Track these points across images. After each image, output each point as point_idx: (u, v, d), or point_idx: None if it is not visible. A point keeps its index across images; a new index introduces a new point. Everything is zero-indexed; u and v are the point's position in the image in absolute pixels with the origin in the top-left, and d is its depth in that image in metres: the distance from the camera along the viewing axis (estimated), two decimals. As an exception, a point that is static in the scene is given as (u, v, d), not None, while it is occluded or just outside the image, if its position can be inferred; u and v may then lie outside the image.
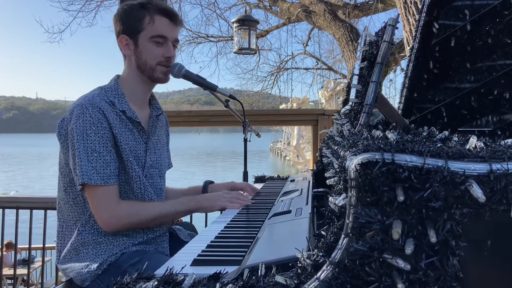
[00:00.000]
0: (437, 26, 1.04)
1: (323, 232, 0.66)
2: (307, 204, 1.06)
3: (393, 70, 7.43)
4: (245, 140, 1.99)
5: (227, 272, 0.65)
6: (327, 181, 0.74)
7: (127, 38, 1.38)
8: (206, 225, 2.06)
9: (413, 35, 1.11)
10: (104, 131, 1.29)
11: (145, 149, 1.41)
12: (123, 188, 1.35)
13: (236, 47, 5.57)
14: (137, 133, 1.39)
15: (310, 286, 0.51)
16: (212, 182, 1.69)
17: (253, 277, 0.58)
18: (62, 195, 1.37)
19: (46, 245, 2.78)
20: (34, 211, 2.62)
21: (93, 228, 1.32)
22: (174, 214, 1.39)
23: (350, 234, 0.50)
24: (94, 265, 1.28)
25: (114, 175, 1.30)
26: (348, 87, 1.32)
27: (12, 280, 6.10)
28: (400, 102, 1.18)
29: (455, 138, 0.69)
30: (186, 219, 1.99)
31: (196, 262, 0.79)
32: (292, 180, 1.73)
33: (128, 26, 1.38)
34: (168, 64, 1.40)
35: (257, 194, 1.62)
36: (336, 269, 0.49)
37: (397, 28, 0.97)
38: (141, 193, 1.37)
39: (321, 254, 0.55)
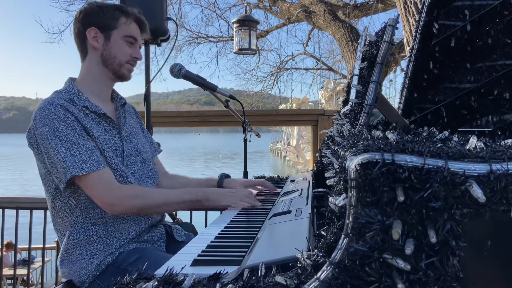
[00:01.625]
0: (437, 26, 1.04)
1: (323, 232, 0.66)
2: (307, 204, 1.06)
3: (393, 70, 7.43)
4: (245, 140, 1.99)
5: (227, 272, 0.65)
6: (327, 181, 0.74)
7: (97, 31, 1.39)
8: (206, 225, 2.06)
9: (413, 35, 1.11)
10: (73, 123, 1.28)
11: (119, 139, 1.41)
12: None
13: (236, 48, 5.57)
14: (107, 125, 1.39)
15: (310, 286, 0.51)
16: (228, 176, 1.66)
17: (253, 277, 0.58)
18: (52, 204, 1.35)
19: (46, 245, 2.79)
20: (34, 211, 2.62)
21: (82, 226, 1.31)
22: (180, 202, 1.38)
23: (350, 234, 0.49)
24: (92, 266, 1.27)
25: (103, 160, 1.29)
26: (348, 87, 1.33)
27: (12, 280, 6.09)
28: (400, 102, 1.18)
29: (455, 138, 0.69)
30: (186, 219, 1.99)
31: (196, 262, 0.79)
32: (292, 180, 1.73)
33: (101, 21, 1.40)
34: (134, 64, 1.47)
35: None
36: (336, 269, 0.49)
37: (397, 28, 0.97)
38: (124, 182, 1.35)
39: (321, 254, 0.55)
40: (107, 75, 1.43)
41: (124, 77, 1.46)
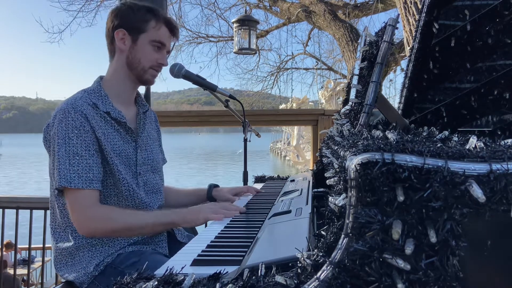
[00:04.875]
0: (437, 26, 1.04)
1: (323, 232, 0.66)
2: (307, 204, 1.06)
3: (393, 70, 7.43)
4: (245, 140, 1.98)
5: (227, 272, 0.65)
6: (327, 181, 0.74)
7: (125, 33, 1.38)
8: (206, 225, 2.06)
9: (413, 35, 1.11)
10: (87, 134, 1.28)
11: (134, 147, 1.40)
12: (112, 192, 1.33)
13: (236, 47, 5.57)
14: (124, 133, 1.39)
15: (310, 286, 0.51)
16: (217, 186, 1.68)
17: (253, 277, 0.58)
18: (53, 200, 1.36)
19: (46, 245, 2.78)
20: (34, 211, 2.62)
21: None
22: (153, 226, 1.32)
23: (350, 234, 0.49)
24: (91, 267, 1.27)
25: (97, 180, 1.28)
26: (348, 87, 1.32)
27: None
28: (400, 102, 1.18)
29: (455, 138, 0.69)
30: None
31: (196, 262, 0.79)
32: (292, 180, 1.73)
33: (131, 22, 1.38)
34: (159, 69, 1.45)
35: (257, 194, 1.61)
36: (336, 269, 0.49)
37: (397, 28, 0.97)
38: (130, 195, 1.35)
39: (321, 254, 0.55)
40: (131, 79, 1.43)
41: (147, 82, 1.45)
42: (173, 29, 1.44)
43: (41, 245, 2.79)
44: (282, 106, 17.82)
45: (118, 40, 1.39)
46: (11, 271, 5.80)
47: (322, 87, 16.54)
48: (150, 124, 1.56)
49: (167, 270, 0.64)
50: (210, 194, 1.64)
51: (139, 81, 1.44)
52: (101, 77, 1.44)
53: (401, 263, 0.47)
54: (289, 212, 1.03)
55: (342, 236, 0.51)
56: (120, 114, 1.37)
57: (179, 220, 1.33)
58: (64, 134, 1.25)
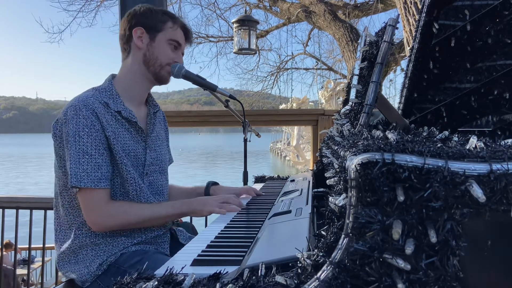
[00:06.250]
0: (437, 26, 1.04)
1: (323, 232, 0.66)
2: (307, 204, 1.06)
3: (393, 70, 7.45)
4: (245, 140, 1.98)
5: (227, 272, 0.65)
6: (327, 181, 0.74)
7: (143, 31, 1.41)
8: (206, 225, 2.06)
9: (413, 35, 1.11)
10: (97, 133, 1.28)
11: (144, 147, 1.41)
12: (119, 191, 1.34)
13: (236, 47, 5.58)
14: (135, 132, 1.39)
15: (310, 286, 0.51)
16: (216, 184, 1.68)
17: (253, 277, 0.58)
18: (58, 198, 1.37)
19: (46, 245, 2.79)
20: (34, 211, 2.62)
21: (90, 230, 1.31)
22: (165, 217, 1.38)
23: (350, 234, 0.49)
24: (94, 266, 1.28)
25: (106, 178, 1.29)
26: (348, 87, 1.32)
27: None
28: (400, 102, 1.18)
29: (455, 138, 0.69)
30: (186, 219, 1.99)
31: (196, 262, 0.79)
32: (292, 180, 1.73)
33: (149, 22, 1.42)
34: None
35: (257, 194, 1.61)
36: (336, 269, 0.49)
37: (397, 28, 0.97)
38: (136, 195, 1.36)
39: (321, 254, 0.55)
40: (147, 77, 1.44)
41: (163, 80, 1.47)
42: (187, 34, 1.50)
43: (41, 245, 2.78)
44: (282, 106, 17.81)
45: (136, 38, 1.41)
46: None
47: (322, 87, 16.54)
48: (159, 124, 1.56)
49: (167, 270, 0.64)
50: (208, 192, 1.63)
51: (155, 79, 1.46)
52: (113, 76, 1.45)
53: (401, 263, 0.47)
54: (289, 212, 1.03)
55: (342, 236, 0.51)
56: (131, 113, 1.38)
57: (188, 210, 1.37)
58: (75, 132, 1.26)
